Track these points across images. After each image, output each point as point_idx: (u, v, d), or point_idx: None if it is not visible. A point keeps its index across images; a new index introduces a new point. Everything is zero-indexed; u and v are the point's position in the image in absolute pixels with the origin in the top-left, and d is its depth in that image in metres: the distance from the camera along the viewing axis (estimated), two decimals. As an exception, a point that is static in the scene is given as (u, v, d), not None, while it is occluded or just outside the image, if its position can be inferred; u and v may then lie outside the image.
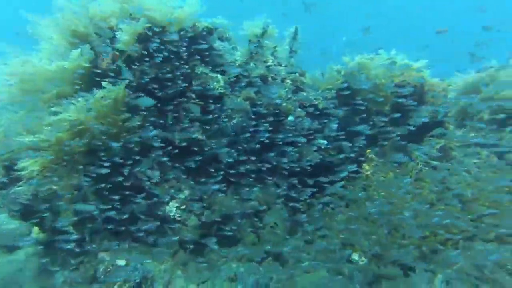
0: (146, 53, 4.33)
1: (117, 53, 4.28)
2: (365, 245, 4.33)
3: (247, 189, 4.61)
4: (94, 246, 3.84)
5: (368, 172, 4.92)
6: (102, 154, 3.88)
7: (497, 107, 5.44)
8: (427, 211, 4.26)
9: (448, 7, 36.06)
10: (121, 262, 3.85)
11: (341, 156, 4.89)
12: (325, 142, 4.97)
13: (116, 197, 3.90)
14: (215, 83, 4.57)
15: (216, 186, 4.41)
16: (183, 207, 4.36)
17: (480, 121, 5.60)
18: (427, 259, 4.06)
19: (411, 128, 4.88)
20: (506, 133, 5.17)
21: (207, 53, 4.68)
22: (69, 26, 4.22)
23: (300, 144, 4.80)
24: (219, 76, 4.60)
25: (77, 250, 3.79)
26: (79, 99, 3.81)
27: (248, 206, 4.66)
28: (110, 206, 3.87)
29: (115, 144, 3.84)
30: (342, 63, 5.35)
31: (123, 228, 3.98)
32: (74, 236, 3.78)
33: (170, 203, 4.30)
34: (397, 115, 5.01)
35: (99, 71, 4.22)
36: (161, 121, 4.35)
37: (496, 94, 5.38)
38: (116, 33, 4.27)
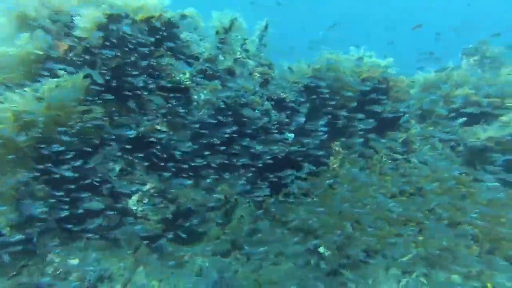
0: (107, 42, 4.10)
1: (75, 40, 4.01)
2: (330, 238, 4.39)
3: (210, 181, 4.52)
4: (43, 246, 3.56)
5: (335, 166, 4.99)
6: (54, 147, 3.60)
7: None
8: (388, 203, 4.39)
9: (422, 6, 36.90)
10: (74, 262, 3.64)
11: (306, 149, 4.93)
12: (292, 135, 4.98)
13: (62, 193, 3.62)
14: (181, 75, 4.43)
15: (188, 181, 4.30)
16: (146, 201, 4.21)
17: (439, 117, 5.85)
18: (386, 249, 4.19)
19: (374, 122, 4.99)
20: (457, 126, 5.42)
21: (174, 44, 4.51)
22: (17, 9, 3.88)
23: (267, 138, 4.78)
24: (185, 68, 4.45)
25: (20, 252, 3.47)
26: (27, 88, 3.50)
27: (213, 199, 4.60)
28: (62, 203, 3.62)
29: (66, 138, 3.58)
30: (311, 57, 5.38)
31: (74, 226, 3.74)
32: (18, 237, 3.43)
33: (133, 197, 4.14)
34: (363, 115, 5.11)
35: (53, 58, 3.93)
36: (123, 113, 4.15)
37: (452, 92, 5.65)
38: (75, 18, 4.00)
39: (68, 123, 3.66)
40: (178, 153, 4.29)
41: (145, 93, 4.21)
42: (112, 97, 4.01)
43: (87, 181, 3.78)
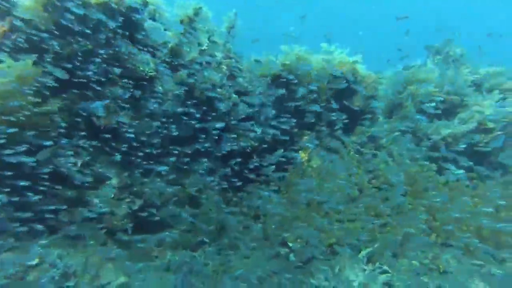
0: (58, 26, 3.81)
1: (16, 20, 3.66)
2: (300, 231, 4.41)
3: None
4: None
5: (304, 159, 5.02)
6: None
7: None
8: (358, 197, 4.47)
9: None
10: (33, 261, 3.45)
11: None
12: (260, 129, 4.96)
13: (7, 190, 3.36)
14: (145, 65, 4.29)
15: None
16: (112, 195, 4.07)
17: (406, 112, 5.99)
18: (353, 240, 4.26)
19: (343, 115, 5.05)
20: (421, 122, 5.59)
21: (136, 32, 4.35)
22: None
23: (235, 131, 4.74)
24: (149, 58, 4.32)
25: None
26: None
27: (182, 192, 4.52)
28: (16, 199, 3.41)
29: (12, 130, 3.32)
30: (280, 51, 5.36)
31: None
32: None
33: (98, 191, 3.98)
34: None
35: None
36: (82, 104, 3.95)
37: (417, 90, 5.81)
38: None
39: (12, 114, 3.38)
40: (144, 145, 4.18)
41: (103, 83, 4.04)
42: (67, 88, 3.80)
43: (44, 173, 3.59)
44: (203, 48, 4.83)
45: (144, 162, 4.20)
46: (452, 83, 5.94)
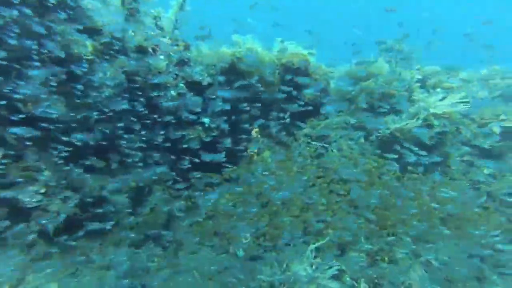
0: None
1: None
2: (249, 226, 4.31)
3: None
4: None
5: (253, 152, 4.91)
6: None
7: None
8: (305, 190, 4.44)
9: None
10: None
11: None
12: (208, 120, 4.77)
13: None
14: (81, 49, 3.92)
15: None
16: (43, 190, 3.67)
17: (358, 107, 6.07)
18: (304, 233, 4.24)
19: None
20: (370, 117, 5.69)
21: (71, 11, 3.94)
22: None
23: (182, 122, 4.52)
24: (87, 41, 3.95)
25: None
26: None
27: (126, 187, 4.23)
28: None
29: None
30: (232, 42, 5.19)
31: None
32: None
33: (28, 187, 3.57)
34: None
35: None
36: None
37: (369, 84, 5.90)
38: None
39: None
40: (79, 136, 3.82)
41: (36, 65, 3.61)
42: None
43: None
44: (150, 33, 4.54)
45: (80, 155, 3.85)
46: (400, 80, 6.12)
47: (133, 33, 4.31)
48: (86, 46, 3.94)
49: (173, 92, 4.45)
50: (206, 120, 4.78)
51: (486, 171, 4.97)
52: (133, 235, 4.10)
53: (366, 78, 6.04)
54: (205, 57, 4.91)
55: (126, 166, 4.32)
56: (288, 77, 5.05)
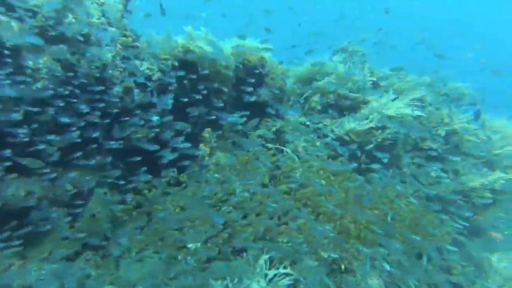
0: None
1: None
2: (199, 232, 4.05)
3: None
4: None
5: (205, 153, 4.64)
6: None
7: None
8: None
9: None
10: None
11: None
12: (158, 118, 4.44)
13: None
14: (7, 32, 3.41)
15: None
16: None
17: (313, 108, 6.04)
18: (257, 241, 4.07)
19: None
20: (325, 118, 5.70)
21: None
22: None
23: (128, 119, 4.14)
24: (12, 22, 3.44)
25: None
26: None
27: (60, 191, 3.77)
28: None
29: None
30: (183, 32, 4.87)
31: None
32: None
33: None
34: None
35: None
36: None
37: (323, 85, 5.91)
38: None
39: None
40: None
41: None
42: None
43: None
44: (93, 20, 4.09)
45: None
46: (354, 81, 6.20)
47: (73, 19, 3.84)
48: (11, 28, 3.44)
49: (119, 88, 4.05)
50: (155, 118, 4.44)
51: (433, 174, 5.17)
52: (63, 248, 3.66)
53: (321, 78, 6.04)
54: (156, 50, 4.54)
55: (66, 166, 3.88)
56: (244, 75, 4.85)
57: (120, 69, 4.10)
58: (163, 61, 4.42)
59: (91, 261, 3.68)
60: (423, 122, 6.40)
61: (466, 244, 5.68)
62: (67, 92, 3.64)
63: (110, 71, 3.96)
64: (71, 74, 3.66)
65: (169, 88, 4.59)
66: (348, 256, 3.78)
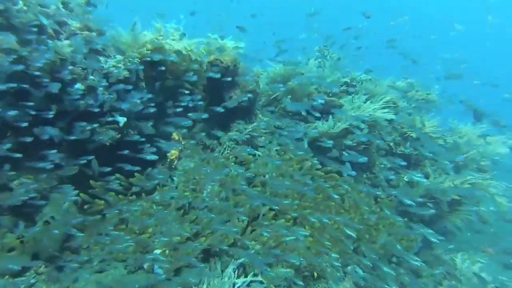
0: None
1: None
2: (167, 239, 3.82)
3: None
4: None
5: (174, 156, 4.41)
6: None
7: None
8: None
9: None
10: None
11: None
12: (125, 119, 4.16)
13: None
14: None
15: None
16: None
17: (286, 110, 5.92)
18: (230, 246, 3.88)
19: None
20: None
21: None
22: None
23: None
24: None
25: None
26: None
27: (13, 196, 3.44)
28: None
29: None
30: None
31: None
32: None
33: None
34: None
35: None
36: None
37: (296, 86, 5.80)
38: None
39: None
40: None
41: None
42: None
43: None
44: (51, 12, 3.77)
45: None
46: (328, 85, 6.14)
47: (25, 7, 3.51)
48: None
49: (80, 85, 3.75)
50: (121, 119, 4.16)
51: (406, 179, 5.18)
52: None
53: (294, 80, 5.92)
54: (123, 47, 4.27)
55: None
56: (216, 75, 4.64)
57: (81, 66, 3.80)
58: (130, 59, 4.14)
59: (43, 274, 3.35)
60: (396, 126, 6.45)
61: (434, 246, 5.76)
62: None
63: (70, 67, 3.66)
64: (21, 67, 3.31)
65: (137, 87, 4.33)
66: (320, 263, 3.67)
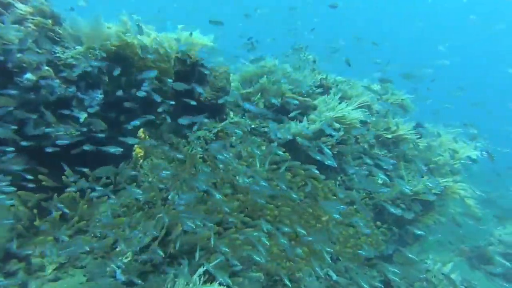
0: None
1: None
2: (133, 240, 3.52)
3: None
4: None
5: (139, 155, 4.11)
6: None
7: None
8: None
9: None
10: None
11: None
12: (85, 115, 3.85)
13: None
14: None
15: None
16: None
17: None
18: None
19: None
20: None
21: None
22: None
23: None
24: None
25: None
26: None
27: None
28: None
29: None
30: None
31: None
32: None
33: None
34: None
35: None
36: None
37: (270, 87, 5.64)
38: None
39: None
40: None
41: None
42: None
43: None
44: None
45: None
46: (302, 85, 6.02)
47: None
48: None
49: (31, 75, 3.41)
50: (81, 115, 3.84)
51: (380, 181, 5.10)
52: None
53: (266, 78, 5.76)
54: (83, 37, 3.94)
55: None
56: (184, 71, 4.39)
57: (33, 54, 3.45)
58: (91, 51, 3.82)
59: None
60: (370, 128, 6.40)
61: (405, 248, 5.76)
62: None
63: (19, 55, 3.31)
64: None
65: (98, 81, 4.01)
66: (291, 267, 3.49)
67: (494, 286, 6.87)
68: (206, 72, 4.53)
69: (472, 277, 6.89)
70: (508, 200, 11.18)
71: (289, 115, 5.39)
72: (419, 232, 5.49)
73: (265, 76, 5.63)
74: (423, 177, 5.80)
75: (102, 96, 3.93)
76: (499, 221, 8.63)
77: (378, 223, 5.08)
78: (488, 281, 6.94)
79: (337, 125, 5.08)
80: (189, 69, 4.34)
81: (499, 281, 6.96)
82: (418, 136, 6.71)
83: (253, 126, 5.02)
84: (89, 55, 3.81)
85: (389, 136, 6.22)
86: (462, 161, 6.71)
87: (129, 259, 3.55)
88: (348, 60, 6.89)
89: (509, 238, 7.69)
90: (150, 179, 3.88)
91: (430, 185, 5.54)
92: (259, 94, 5.48)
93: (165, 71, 4.38)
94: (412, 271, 5.56)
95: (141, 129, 4.20)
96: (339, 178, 5.37)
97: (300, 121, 5.28)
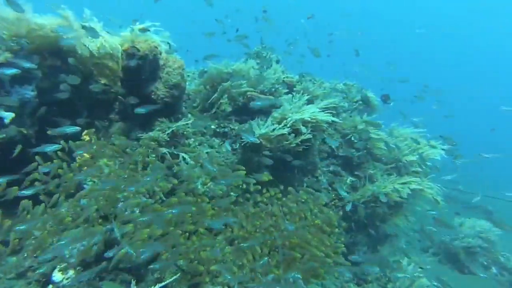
0: None
1: None
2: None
3: None
4: None
5: (85, 158, 3.62)
6: None
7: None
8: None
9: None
10: None
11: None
12: (11, 115, 3.32)
13: None
14: None
15: None
16: None
17: (223, 110, 5.41)
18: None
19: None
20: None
21: None
22: None
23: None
24: None
25: None
26: None
27: None
28: None
29: None
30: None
31: None
32: None
33: None
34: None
35: None
36: None
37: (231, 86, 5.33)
38: None
39: None
40: None
41: None
42: None
43: None
44: None
45: None
46: (266, 83, 5.75)
47: None
48: None
49: None
50: (6, 115, 3.32)
51: (349, 181, 4.88)
52: None
53: (229, 79, 5.45)
54: (8, 26, 3.41)
55: None
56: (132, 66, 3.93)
57: None
58: (15, 41, 3.30)
59: None
60: (338, 128, 6.21)
61: (379, 249, 5.65)
62: None
63: None
64: None
65: (30, 76, 3.49)
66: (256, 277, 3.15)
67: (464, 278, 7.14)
68: (157, 66, 4.10)
69: (442, 273, 7.01)
70: (467, 196, 11.69)
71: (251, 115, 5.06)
72: (390, 232, 5.35)
73: (229, 75, 5.32)
74: (391, 176, 5.67)
75: (34, 93, 3.41)
76: (458, 217, 8.94)
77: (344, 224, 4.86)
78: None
79: (303, 127, 4.79)
80: (140, 63, 3.89)
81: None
82: (386, 135, 6.62)
83: (213, 126, 4.64)
84: (12, 45, 3.28)
85: (356, 135, 6.04)
86: (429, 160, 6.67)
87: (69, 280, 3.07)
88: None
89: (470, 232, 8.04)
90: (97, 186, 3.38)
91: (397, 185, 5.41)
92: (225, 97, 5.17)
93: (111, 68, 3.92)
94: (386, 271, 5.46)
95: (87, 131, 3.71)
96: (305, 179, 5.09)
97: (264, 121, 4.96)
